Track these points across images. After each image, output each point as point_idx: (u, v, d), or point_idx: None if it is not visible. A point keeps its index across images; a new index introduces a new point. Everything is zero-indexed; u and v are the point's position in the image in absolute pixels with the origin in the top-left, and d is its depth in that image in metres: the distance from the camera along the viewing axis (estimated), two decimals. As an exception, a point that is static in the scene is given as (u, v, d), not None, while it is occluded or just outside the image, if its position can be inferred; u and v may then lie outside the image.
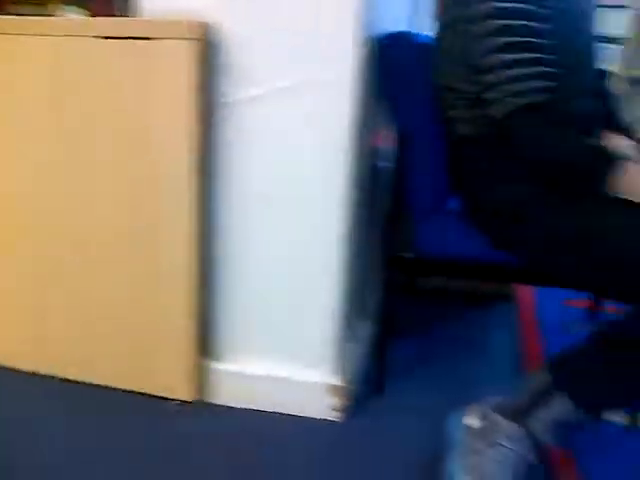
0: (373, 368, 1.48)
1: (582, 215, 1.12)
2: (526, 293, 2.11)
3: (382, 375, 1.47)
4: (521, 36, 1.13)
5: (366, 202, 1.50)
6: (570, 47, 1.22)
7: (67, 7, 1.66)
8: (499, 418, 1.16)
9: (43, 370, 1.51)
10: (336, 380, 1.35)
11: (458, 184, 1.34)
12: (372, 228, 1.64)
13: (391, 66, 1.34)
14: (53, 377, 1.49)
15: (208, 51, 1.23)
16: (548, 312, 1.97)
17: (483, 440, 1.15)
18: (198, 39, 1.20)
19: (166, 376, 1.40)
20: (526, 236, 1.21)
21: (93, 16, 1.61)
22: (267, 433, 1.32)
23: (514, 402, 1.18)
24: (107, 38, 1.25)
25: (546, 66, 1.14)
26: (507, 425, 1.14)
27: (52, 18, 1.38)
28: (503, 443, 1.13)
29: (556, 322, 1.88)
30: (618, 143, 1.26)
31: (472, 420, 1.19)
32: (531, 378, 1.18)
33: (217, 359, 1.42)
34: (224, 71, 1.24)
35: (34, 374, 1.51)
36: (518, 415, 1.16)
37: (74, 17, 1.62)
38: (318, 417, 1.36)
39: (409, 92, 1.34)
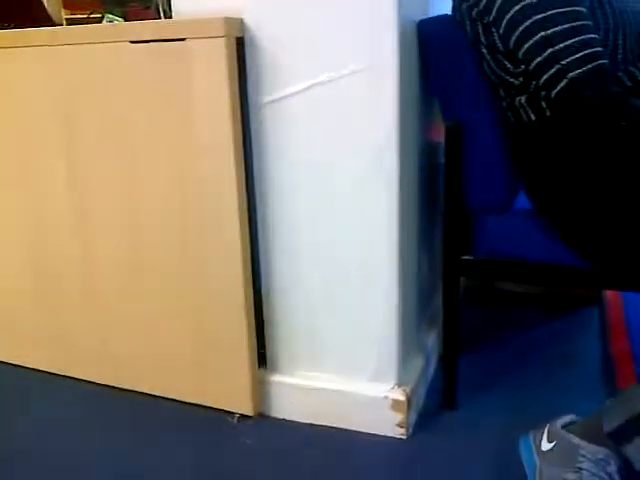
0: (442, 381, 1.39)
1: None
2: (613, 296, 1.95)
3: (452, 389, 1.38)
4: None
5: (424, 202, 1.42)
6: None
7: (107, 14, 1.68)
8: (578, 440, 1.05)
9: (104, 381, 1.53)
10: (399, 394, 1.28)
11: (525, 177, 1.22)
12: (435, 231, 1.55)
13: (435, 53, 1.25)
14: (113, 387, 1.52)
15: (244, 49, 1.20)
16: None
17: (561, 465, 1.05)
18: (233, 37, 1.16)
19: (225, 388, 1.38)
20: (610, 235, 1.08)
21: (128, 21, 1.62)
22: (329, 450, 1.26)
23: (604, 423, 1.05)
24: (139, 42, 1.23)
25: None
26: (593, 449, 1.03)
27: (82, 26, 1.38)
28: (586, 468, 1.02)
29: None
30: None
31: (543, 442, 1.10)
32: (625, 396, 1.05)
33: (277, 372, 1.38)
34: (261, 69, 1.20)
35: (92, 383, 1.54)
36: (610, 438, 1.04)
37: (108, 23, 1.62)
38: (382, 434, 1.30)
39: (457, 80, 1.24)
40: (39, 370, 1.63)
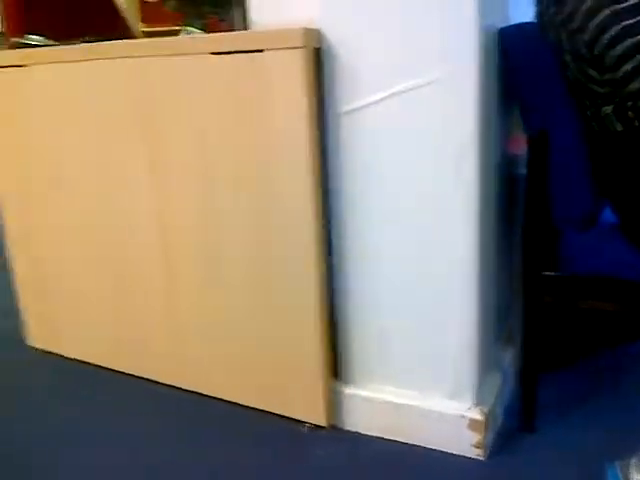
0: (520, 401, 1.34)
1: None
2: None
3: (531, 409, 1.32)
4: None
5: (502, 214, 1.38)
6: None
7: (186, 27, 1.70)
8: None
9: (181, 384, 1.56)
10: (477, 413, 1.24)
11: (609, 191, 1.17)
12: (513, 244, 1.50)
13: (517, 61, 1.20)
14: (188, 391, 1.54)
15: (322, 59, 1.19)
16: None
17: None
18: (311, 47, 1.16)
19: (296, 398, 1.38)
20: None
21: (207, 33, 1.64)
22: (401, 466, 1.24)
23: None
24: (219, 54, 1.25)
25: None
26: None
27: (163, 38, 1.41)
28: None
29: None
30: None
31: (633, 474, 1.03)
32: None
33: (350, 384, 1.36)
34: (339, 78, 1.19)
35: (171, 387, 1.57)
36: None
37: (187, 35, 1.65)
38: (457, 453, 1.26)
39: (540, 89, 1.19)
40: (116, 370, 1.68)
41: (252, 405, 1.45)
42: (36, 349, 1.85)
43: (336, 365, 1.37)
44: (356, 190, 1.24)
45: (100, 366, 1.71)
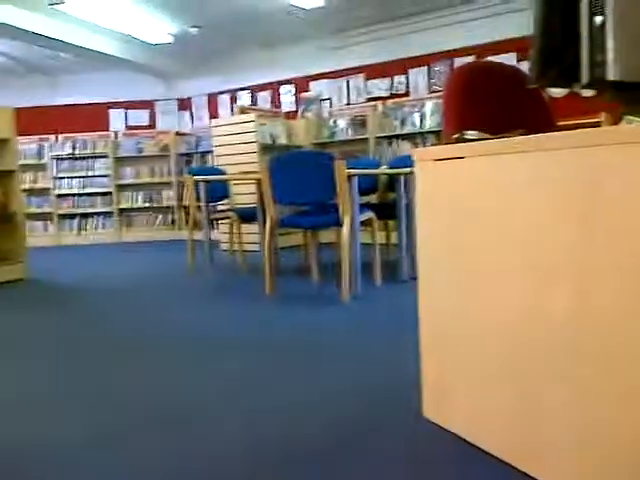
0: None
1: None
2: None
3: None
4: None
5: None
6: None
7: (625, 116, 1.59)
8: None
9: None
10: None
11: None
12: None
13: None
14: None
15: None
16: None
17: None
18: None
19: None
20: None
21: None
22: None
23: None
24: None
25: None
26: None
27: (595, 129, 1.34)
28: None
29: None
30: None
31: None
32: None
33: None
34: None
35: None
36: None
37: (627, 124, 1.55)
38: None
39: None
40: (512, 465, 1.61)
41: None
42: (431, 422, 1.91)
43: None
44: None
45: (493, 455, 1.67)
